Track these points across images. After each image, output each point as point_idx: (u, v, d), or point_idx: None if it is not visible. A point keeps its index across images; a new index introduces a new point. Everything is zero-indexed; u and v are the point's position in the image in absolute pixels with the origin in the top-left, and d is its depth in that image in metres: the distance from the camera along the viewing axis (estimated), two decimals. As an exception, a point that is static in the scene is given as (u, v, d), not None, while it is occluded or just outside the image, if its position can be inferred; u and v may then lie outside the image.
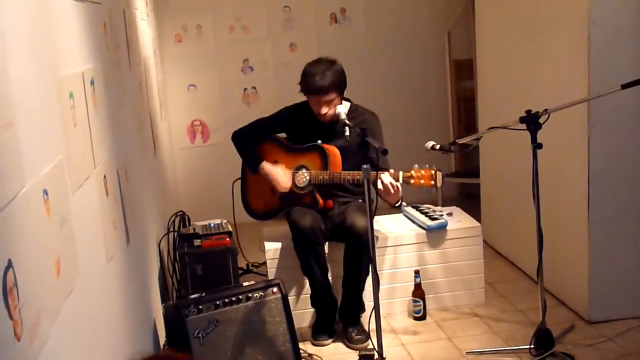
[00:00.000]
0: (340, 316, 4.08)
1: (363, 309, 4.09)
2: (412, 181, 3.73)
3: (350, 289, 4.01)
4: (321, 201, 4.05)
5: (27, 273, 1.43)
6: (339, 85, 3.97)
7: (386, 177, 3.68)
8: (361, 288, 4.02)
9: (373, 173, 3.58)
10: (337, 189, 4.09)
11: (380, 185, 3.69)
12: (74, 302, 1.81)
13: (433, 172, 3.71)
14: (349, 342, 3.97)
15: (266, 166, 4.11)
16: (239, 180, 4.33)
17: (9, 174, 1.40)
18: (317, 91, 3.93)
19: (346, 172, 3.93)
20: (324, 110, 3.95)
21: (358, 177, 3.82)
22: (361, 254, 3.86)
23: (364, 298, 4.06)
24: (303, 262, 4.00)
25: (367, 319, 3.91)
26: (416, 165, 3.77)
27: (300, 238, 3.94)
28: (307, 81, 3.96)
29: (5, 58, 1.45)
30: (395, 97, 6.41)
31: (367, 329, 3.94)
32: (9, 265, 1.32)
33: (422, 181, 3.71)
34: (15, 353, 1.31)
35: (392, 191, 3.69)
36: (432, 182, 3.70)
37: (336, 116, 3.84)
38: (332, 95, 3.93)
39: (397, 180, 3.70)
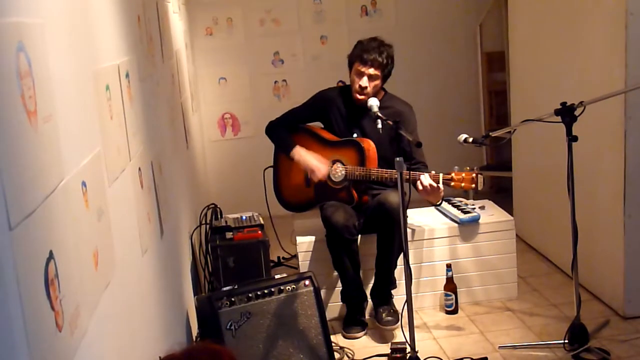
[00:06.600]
0: (372, 295, 4.06)
1: (394, 286, 4.07)
2: (452, 184, 3.70)
3: (382, 267, 3.98)
4: (356, 197, 4.02)
5: (67, 265, 1.44)
6: (388, 68, 3.95)
7: (425, 179, 3.65)
8: (393, 266, 3.99)
9: (414, 173, 3.56)
10: (372, 182, 4.05)
11: (420, 187, 3.67)
12: (111, 294, 1.82)
13: (474, 175, 3.67)
14: (379, 324, 3.96)
15: (300, 150, 4.06)
16: (270, 169, 4.32)
17: (49, 166, 1.40)
18: (369, 61, 3.89)
19: (383, 170, 3.89)
20: (365, 83, 3.89)
21: (396, 175, 3.77)
22: (394, 231, 3.80)
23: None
24: (335, 258, 3.98)
25: (399, 309, 3.91)
26: (456, 167, 3.73)
27: (333, 235, 3.91)
28: (362, 48, 3.93)
29: (45, 50, 1.46)
30: (426, 90, 6.35)
31: (398, 310, 3.93)
32: (50, 256, 1.33)
33: (462, 184, 3.68)
34: (57, 343, 1.32)
35: (432, 192, 3.68)
36: (473, 185, 3.67)
37: (369, 103, 3.75)
38: (378, 71, 3.90)
39: (437, 183, 3.67)
